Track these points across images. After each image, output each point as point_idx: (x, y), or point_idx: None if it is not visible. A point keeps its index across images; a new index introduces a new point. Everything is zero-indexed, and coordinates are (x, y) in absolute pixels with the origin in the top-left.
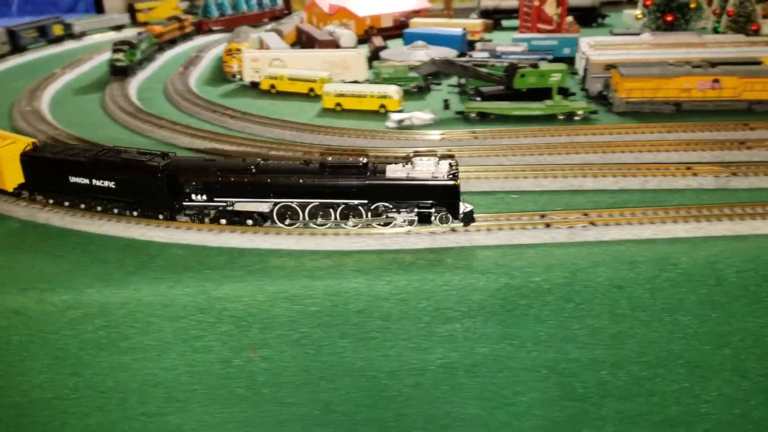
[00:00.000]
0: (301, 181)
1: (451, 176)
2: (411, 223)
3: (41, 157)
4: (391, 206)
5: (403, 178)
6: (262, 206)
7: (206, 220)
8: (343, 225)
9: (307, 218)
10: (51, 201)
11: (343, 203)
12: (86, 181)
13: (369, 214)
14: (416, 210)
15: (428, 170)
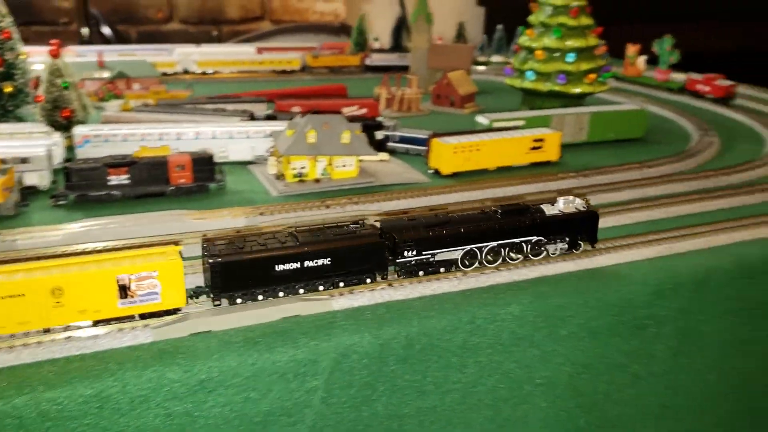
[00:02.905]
0: (489, 225)
1: (589, 208)
2: (564, 249)
3: (241, 259)
4: (546, 240)
5: (562, 214)
6: (455, 254)
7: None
8: (509, 260)
9: (483, 260)
10: (239, 300)
11: (514, 242)
12: (297, 265)
13: (529, 248)
14: (567, 239)
15: (573, 206)
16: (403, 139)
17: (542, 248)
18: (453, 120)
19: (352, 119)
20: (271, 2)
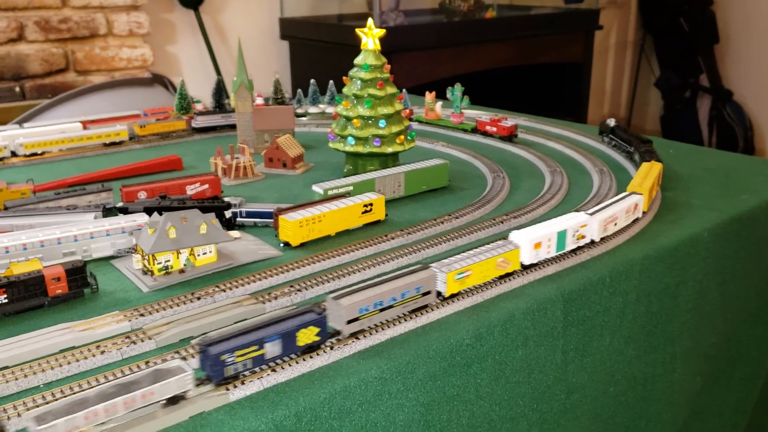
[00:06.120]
0: None
1: None
2: None
3: None
4: None
5: None
6: None
7: None
8: None
9: None
10: None
11: None
12: None
13: None
14: None
15: None
16: (250, 214)
17: None
18: (289, 182)
19: (202, 205)
20: (74, 53)
